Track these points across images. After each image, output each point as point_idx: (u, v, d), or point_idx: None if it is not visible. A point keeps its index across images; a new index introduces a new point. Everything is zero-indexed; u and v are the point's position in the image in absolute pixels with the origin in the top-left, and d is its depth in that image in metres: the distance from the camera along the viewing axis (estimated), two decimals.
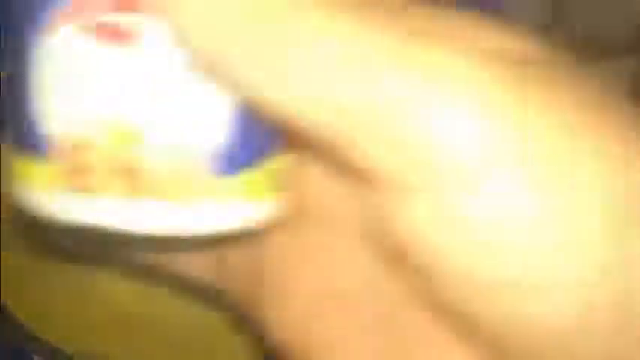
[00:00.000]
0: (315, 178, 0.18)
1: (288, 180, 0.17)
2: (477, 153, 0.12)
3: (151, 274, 0.21)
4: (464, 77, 0.13)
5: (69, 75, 0.14)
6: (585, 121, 0.13)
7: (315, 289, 0.18)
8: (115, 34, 0.14)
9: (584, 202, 0.12)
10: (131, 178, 0.14)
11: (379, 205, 0.14)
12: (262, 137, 0.16)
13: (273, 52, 0.13)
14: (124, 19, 0.14)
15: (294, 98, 0.13)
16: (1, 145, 0.17)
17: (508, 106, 0.13)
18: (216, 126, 0.15)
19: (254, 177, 0.16)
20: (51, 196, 0.15)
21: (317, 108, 0.13)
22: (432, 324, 0.16)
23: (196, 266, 0.20)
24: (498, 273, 0.13)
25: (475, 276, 0.13)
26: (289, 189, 0.17)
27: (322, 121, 0.13)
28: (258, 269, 0.18)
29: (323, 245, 0.18)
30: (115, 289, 0.29)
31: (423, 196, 0.13)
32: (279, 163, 0.16)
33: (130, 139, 0.14)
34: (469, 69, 0.13)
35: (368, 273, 0.17)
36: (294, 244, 0.18)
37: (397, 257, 0.15)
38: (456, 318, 0.15)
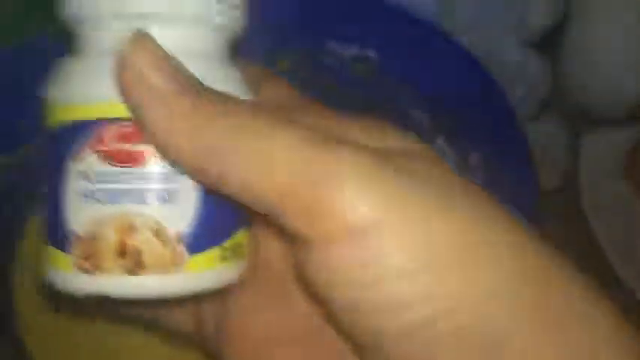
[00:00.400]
0: (265, 244, 0.24)
1: (248, 248, 0.22)
2: (358, 221, 0.18)
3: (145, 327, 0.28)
4: (352, 166, 0.18)
5: (85, 186, 0.20)
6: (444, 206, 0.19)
7: (263, 331, 0.23)
8: (116, 157, 0.20)
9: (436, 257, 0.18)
10: (129, 259, 0.20)
11: (295, 256, 0.20)
12: (225, 222, 0.21)
13: (233, 151, 0.19)
14: (122, 147, 0.20)
15: (244, 185, 0.19)
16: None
17: (387, 188, 0.18)
18: (188, 217, 0.21)
19: (219, 251, 0.21)
20: (71, 276, 0.21)
21: (256, 191, 0.19)
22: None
23: (180, 321, 0.26)
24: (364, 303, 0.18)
25: (351, 305, 0.19)
26: (249, 255, 0.23)
27: (259, 200, 0.19)
28: (222, 319, 0.24)
29: (268, 299, 0.23)
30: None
31: (317, 248, 0.18)
32: (241, 236, 0.22)
33: (126, 231, 0.20)
34: (354, 159, 0.18)
35: (300, 321, 0.23)
36: (247, 296, 0.23)
37: (312, 296, 0.20)
38: (349, 338, 0.20)
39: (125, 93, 0.20)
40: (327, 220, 0.18)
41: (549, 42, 0.50)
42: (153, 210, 0.20)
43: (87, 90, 0.20)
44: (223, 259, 0.21)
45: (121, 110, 0.20)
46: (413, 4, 0.43)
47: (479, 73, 0.39)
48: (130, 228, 0.20)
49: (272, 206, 0.19)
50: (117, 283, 0.20)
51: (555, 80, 0.50)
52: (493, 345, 0.18)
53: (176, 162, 0.20)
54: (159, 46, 0.20)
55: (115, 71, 0.20)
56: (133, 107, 0.20)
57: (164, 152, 0.20)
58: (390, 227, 0.18)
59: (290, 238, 0.19)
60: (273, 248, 0.24)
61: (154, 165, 0.20)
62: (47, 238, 0.21)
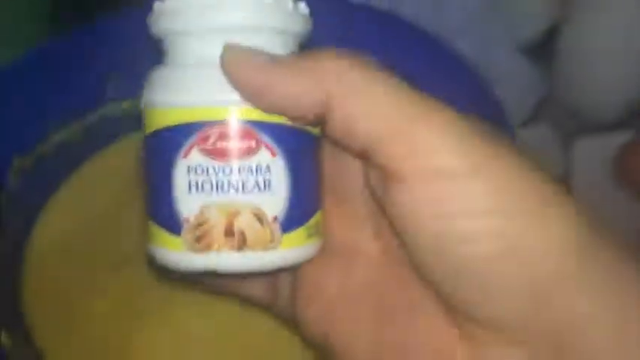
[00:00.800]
0: (333, 224, 0.27)
1: (322, 226, 0.26)
2: (443, 163, 0.22)
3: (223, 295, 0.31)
4: (445, 116, 0.22)
5: (193, 179, 0.24)
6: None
7: (331, 293, 0.26)
8: (220, 153, 0.24)
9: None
10: (235, 239, 0.24)
11: (385, 194, 0.23)
12: (309, 205, 0.25)
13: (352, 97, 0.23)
14: (225, 144, 0.24)
15: (365, 131, 0.23)
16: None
17: (475, 142, 0.22)
18: (281, 202, 0.24)
19: (305, 230, 0.25)
20: (182, 254, 0.24)
21: (364, 129, 0.23)
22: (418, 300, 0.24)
23: (259, 292, 0.29)
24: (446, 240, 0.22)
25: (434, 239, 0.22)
26: (323, 232, 0.26)
27: (372, 141, 0.22)
28: (296, 287, 0.27)
29: (336, 265, 0.27)
30: None
31: (411, 184, 0.22)
32: (319, 216, 0.26)
33: (232, 215, 0.24)
34: (448, 113, 0.22)
35: (366, 279, 0.26)
36: (318, 264, 0.27)
37: (394, 231, 0.24)
38: (423, 275, 0.23)
39: (244, 71, 0.23)
40: (419, 159, 0.22)
41: (542, 47, 0.51)
42: (253, 197, 0.24)
43: (192, 96, 0.24)
44: (308, 236, 0.25)
45: (220, 113, 0.24)
46: (405, 10, 0.44)
47: (472, 78, 0.40)
48: (235, 213, 0.24)
49: (374, 143, 0.22)
50: (225, 260, 0.24)
51: (548, 85, 0.51)
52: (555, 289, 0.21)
53: (296, 113, 0.23)
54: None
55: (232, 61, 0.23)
56: (256, 78, 0.23)
57: (285, 103, 0.23)
58: (470, 173, 0.21)
59: (382, 175, 0.23)
60: (335, 225, 0.27)
61: (252, 159, 0.24)
62: (158, 223, 0.25)
